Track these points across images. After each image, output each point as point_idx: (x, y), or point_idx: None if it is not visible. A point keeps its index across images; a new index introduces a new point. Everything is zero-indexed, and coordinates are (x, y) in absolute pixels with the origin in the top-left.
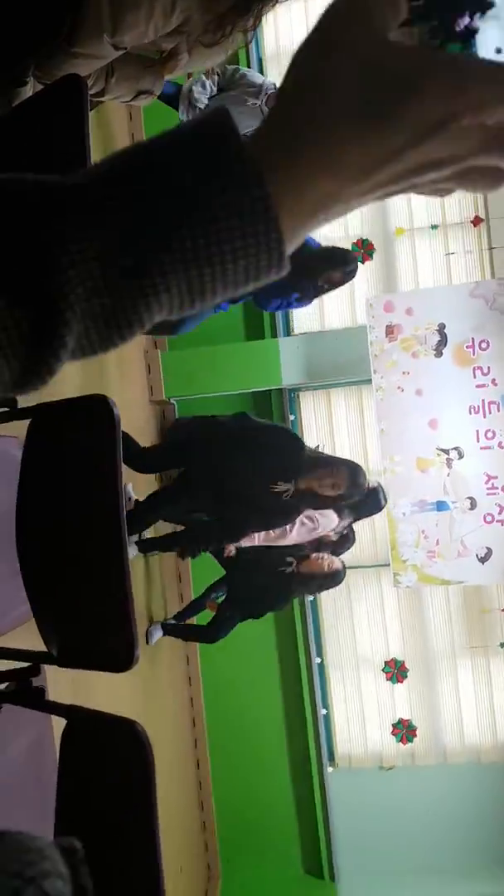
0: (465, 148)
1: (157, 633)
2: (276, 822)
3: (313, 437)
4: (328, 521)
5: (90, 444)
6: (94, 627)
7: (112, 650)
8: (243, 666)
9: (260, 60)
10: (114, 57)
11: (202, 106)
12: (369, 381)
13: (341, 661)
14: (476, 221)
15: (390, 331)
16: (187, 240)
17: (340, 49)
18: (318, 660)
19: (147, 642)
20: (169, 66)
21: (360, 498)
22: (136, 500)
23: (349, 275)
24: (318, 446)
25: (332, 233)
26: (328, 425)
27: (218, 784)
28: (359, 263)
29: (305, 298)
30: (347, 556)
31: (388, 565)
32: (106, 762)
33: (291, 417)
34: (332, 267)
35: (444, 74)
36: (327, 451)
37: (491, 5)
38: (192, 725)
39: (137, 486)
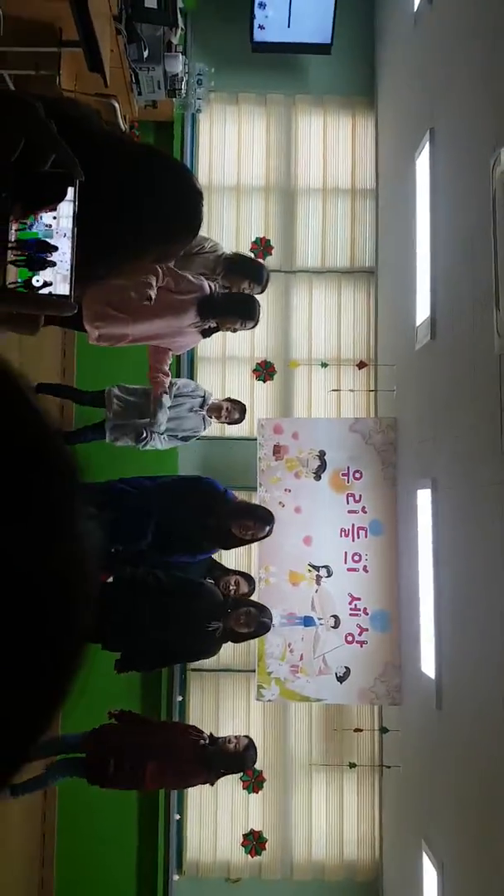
0: None
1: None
2: None
3: None
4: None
5: None
6: None
7: None
8: None
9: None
10: None
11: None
12: (255, 489)
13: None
14: (361, 365)
15: (277, 450)
16: None
17: None
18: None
19: None
20: None
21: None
22: None
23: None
24: None
25: (240, 352)
26: None
27: (63, 882)
28: (258, 383)
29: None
30: (220, 659)
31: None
32: None
33: None
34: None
35: None
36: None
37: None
38: (43, 819)
39: None
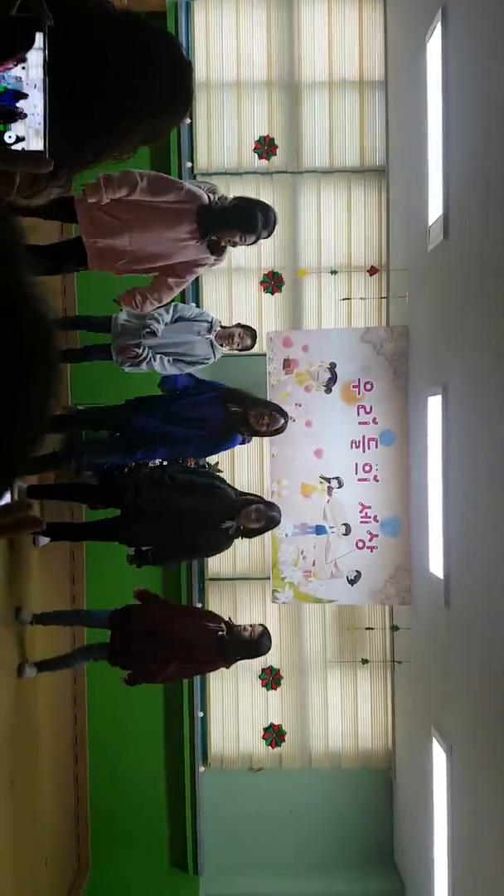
0: None
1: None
2: (147, 817)
3: None
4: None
5: None
6: None
7: None
8: None
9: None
10: None
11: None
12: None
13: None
14: (372, 271)
15: (287, 364)
16: None
17: None
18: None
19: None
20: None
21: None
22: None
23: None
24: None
25: (246, 263)
26: None
27: (95, 779)
28: (266, 295)
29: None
30: (236, 568)
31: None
32: None
33: None
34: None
35: None
36: (227, 471)
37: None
38: (74, 722)
39: None
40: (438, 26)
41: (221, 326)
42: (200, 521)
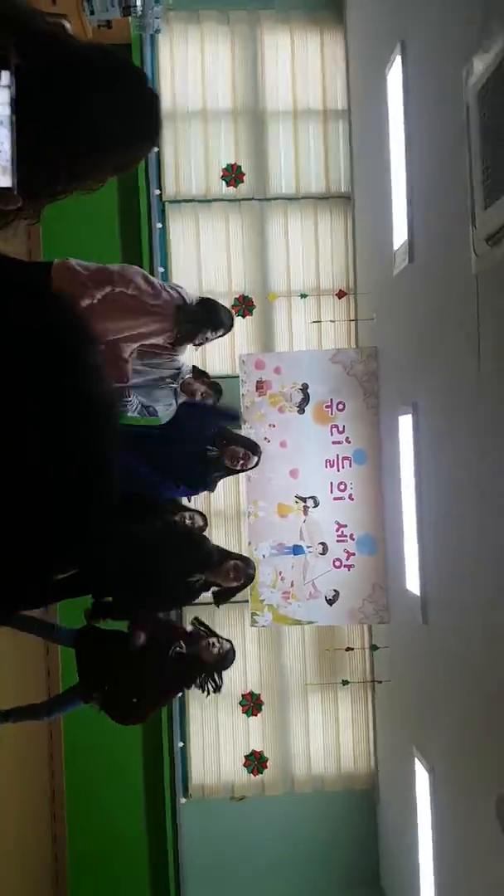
0: None
1: None
2: (128, 853)
3: None
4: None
5: None
6: None
7: None
8: None
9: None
10: None
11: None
12: (240, 426)
13: (201, 694)
14: (340, 295)
15: (260, 386)
16: None
17: None
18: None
19: None
20: None
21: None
22: None
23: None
24: None
25: (217, 287)
26: None
27: (73, 816)
28: (238, 318)
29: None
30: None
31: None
32: None
33: None
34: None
35: None
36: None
37: None
38: (50, 758)
39: None
40: (398, 59)
41: (191, 373)
42: (170, 570)
